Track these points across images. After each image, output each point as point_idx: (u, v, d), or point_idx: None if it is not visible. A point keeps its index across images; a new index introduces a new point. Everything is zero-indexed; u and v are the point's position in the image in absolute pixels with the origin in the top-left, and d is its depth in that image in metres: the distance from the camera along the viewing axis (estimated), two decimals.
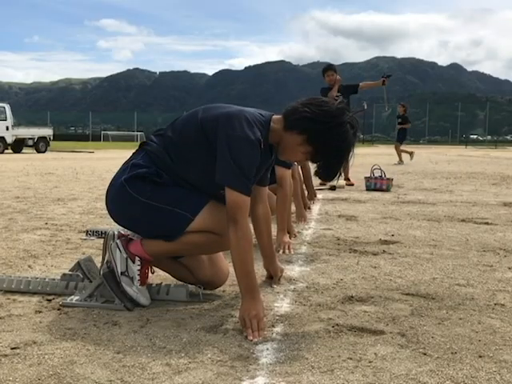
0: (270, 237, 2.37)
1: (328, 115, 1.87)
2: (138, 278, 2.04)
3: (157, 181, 2.01)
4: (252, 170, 1.90)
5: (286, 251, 2.98)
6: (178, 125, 2.07)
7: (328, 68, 7.45)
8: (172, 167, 2.02)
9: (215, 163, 1.89)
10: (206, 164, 1.94)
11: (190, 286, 2.18)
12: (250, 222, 2.03)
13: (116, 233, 2.12)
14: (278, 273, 2.42)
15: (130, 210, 2.05)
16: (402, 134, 14.31)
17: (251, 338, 1.72)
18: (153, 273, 2.15)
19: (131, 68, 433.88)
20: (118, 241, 2.07)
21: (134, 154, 2.15)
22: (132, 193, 2.00)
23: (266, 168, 2.16)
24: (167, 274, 2.47)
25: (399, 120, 14.21)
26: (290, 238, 3.24)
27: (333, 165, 1.95)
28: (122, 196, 2.04)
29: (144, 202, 1.99)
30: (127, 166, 2.08)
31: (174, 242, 2.02)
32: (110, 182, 2.15)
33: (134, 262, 2.04)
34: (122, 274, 2.03)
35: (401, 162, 13.79)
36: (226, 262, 2.27)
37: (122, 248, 2.05)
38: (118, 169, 2.13)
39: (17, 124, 23.89)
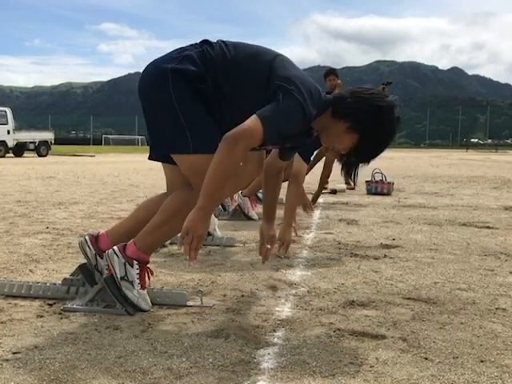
0: (275, 199, 2.36)
1: (376, 104, 1.87)
2: (137, 281, 2.04)
3: (199, 87, 1.94)
4: (286, 134, 1.87)
5: (282, 251, 2.63)
6: (247, 49, 2.00)
7: (329, 72, 7.46)
8: (220, 82, 1.95)
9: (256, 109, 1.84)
10: (250, 104, 1.87)
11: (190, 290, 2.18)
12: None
13: (87, 238, 2.18)
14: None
15: (157, 99, 1.99)
16: None
17: (187, 256, 1.75)
18: (152, 274, 2.15)
19: (132, 72, 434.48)
20: (114, 247, 2.08)
21: (191, 44, 2.05)
22: (170, 87, 1.93)
23: (293, 147, 2.17)
24: (168, 278, 2.47)
25: None
26: (295, 234, 3.07)
27: (375, 150, 1.95)
28: (160, 83, 1.96)
29: (172, 103, 1.93)
30: (179, 55, 1.98)
31: (162, 226, 2.04)
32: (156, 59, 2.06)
33: (132, 266, 2.04)
34: (121, 278, 2.03)
35: None
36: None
37: (118, 253, 2.05)
38: (170, 52, 2.05)
39: (18, 128, 23.93)
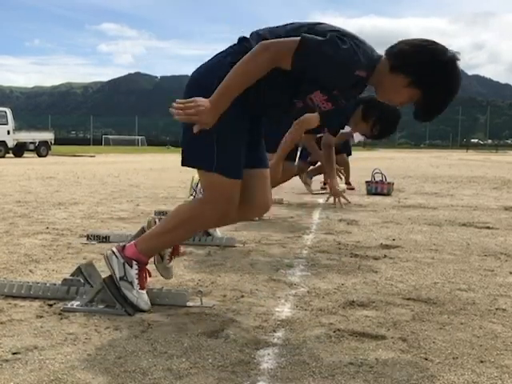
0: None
1: (440, 59, 1.82)
2: (136, 282, 2.04)
3: (241, 102, 1.87)
4: (323, 71, 1.83)
5: (341, 201, 2.43)
6: (281, 28, 1.96)
7: None
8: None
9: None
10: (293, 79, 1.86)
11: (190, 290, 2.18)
12: None
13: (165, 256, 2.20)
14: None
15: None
16: None
17: (175, 112, 1.76)
18: (150, 276, 2.15)
19: (132, 72, 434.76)
20: (113, 248, 2.08)
21: (231, 46, 2.00)
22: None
23: (339, 112, 2.16)
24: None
25: None
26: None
27: (439, 106, 1.90)
28: (201, 93, 1.87)
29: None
30: (224, 61, 1.93)
31: (168, 233, 2.04)
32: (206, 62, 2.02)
33: (131, 267, 2.04)
34: (120, 279, 2.03)
35: None
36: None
37: (117, 253, 2.05)
38: (215, 56, 2.02)
39: (18, 128, 23.95)
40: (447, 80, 1.84)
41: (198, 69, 2.06)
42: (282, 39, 1.81)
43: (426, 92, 1.85)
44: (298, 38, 1.78)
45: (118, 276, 2.03)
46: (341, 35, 1.80)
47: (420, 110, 1.91)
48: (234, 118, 1.91)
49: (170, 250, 2.21)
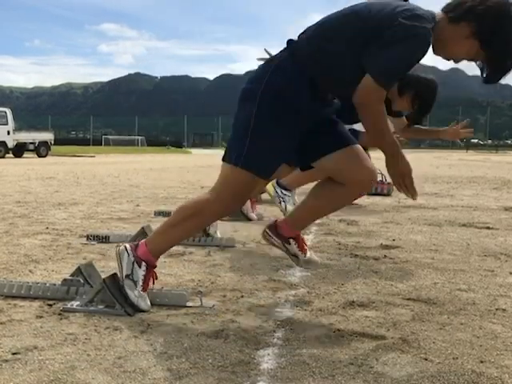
0: None
1: (498, 4, 1.81)
2: (141, 282, 2.04)
3: (290, 97, 1.93)
4: (407, 70, 1.90)
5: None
6: (326, 23, 1.98)
7: None
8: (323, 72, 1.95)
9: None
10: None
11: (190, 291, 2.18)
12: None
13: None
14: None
15: (243, 109, 1.99)
16: None
17: (411, 197, 1.99)
18: (156, 278, 2.15)
19: (132, 72, 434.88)
20: (127, 244, 2.09)
21: (281, 51, 2.03)
22: (255, 106, 1.93)
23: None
24: (168, 279, 2.47)
25: None
26: None
27: (502, 61, 1.88)
28: (249, 97, 1.97)
29: (250, 118, 1.94)
30: (270, 68, 1.97)
31: (175, 227, 2.06)
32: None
33: (140, 267, 2.04)
34: (126, 276, 2.04)
35: None
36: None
37: (130, 251, 2.06)
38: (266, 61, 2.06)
39: (18, 128, 23.95)
40: (508, 27, 1.82)
41: (247, 81, 2.08)
42: (363, 87, 1.83)
43: (486, 42, 1.83)
44: (373, 79, 1.80)
45: (124, 273, 2.03)
46: (414, 26, 1.78)
47: (486, 67, 1.90)
48: (273, 117, 1.94)
49: (296, 246, 2.30)
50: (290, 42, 2.02)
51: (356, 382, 1.45)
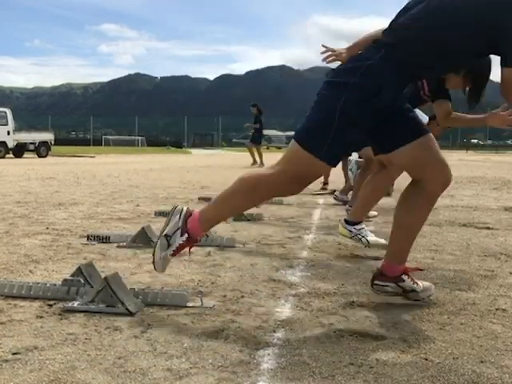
0: None
1: None
2: (174, 247, 2.05)
3: (378, 100, 1.92)
4: None
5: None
6: (420, 12, 1.95)
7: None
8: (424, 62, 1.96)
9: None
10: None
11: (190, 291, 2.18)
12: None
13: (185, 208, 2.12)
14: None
15: (327, 97, 1.98)
16: (257, 136, 14.39)
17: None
18: (191, 249, 2.16)
19: (132, 73, 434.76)
20: (185, 208, 2.09)
21: (373, 47, 1.99)
22: (342, 100, 1.91)
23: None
24: (168, 279, 2.47)
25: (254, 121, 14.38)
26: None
27: None
28: (337, 89, 1.95)
29: (335, 113, 1.92)
30: (362, 66, 1.94)
31: (227, 199, 2.06)
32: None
33: (182, 235, 2.05)
34: (165, 235, 2.06)
35: (255, 163, 13.65)
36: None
37: (182, 216, 2.07)
38: (356, 57, 2.04)
39: (18, 129, 23.95)
40: None
41: (335, 73, 2.07)
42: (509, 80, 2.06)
43: None
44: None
45: (165, 231, 2.06)
46: None
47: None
48: (357, 116, 1.94)
49: (409, 280, 2.20)
50: (380, 41, 1.99)
51: (356, 382, 1.45)
